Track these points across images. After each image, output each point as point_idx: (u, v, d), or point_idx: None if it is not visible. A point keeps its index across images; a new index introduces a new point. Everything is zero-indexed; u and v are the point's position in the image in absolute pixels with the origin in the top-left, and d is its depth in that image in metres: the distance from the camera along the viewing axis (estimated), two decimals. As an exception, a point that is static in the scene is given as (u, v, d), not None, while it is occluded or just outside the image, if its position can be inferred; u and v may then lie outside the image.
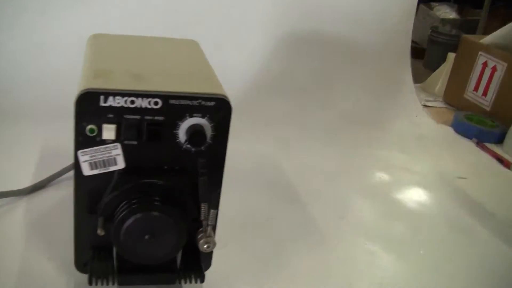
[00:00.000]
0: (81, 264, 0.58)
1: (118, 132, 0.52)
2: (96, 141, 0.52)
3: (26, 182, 0.80)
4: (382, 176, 1.01)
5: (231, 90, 1.14)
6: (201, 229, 0.56)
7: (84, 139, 0.52)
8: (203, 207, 0.55)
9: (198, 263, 0.59)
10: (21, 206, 0.75)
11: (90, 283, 0.54)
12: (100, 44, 0.66)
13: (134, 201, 0.53)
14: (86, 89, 0.50)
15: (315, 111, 1.24)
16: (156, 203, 0.53)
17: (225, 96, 0.53)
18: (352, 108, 1.29)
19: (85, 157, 0.53)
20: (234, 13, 1.27)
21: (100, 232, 0.53)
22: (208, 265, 0.62)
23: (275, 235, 0.77)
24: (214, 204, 0.55)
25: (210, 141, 0.54)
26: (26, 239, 0.68)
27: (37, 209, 0.75)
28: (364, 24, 1.37)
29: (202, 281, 0.58)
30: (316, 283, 0.68)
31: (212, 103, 0.53)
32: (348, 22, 1.35)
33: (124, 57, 0.63)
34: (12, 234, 0.69)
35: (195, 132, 0.52)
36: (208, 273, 0.60)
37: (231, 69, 1.20)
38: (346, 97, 1.32)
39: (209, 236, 0.55)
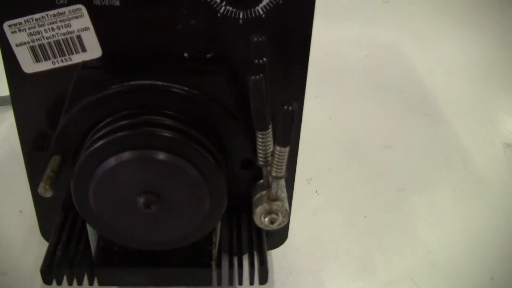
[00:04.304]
0: (49, 231, 0.32)
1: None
2: (37, 2, 0.25)
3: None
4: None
5: None
6: (260, 182, 0.29)
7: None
8: (260, 138, 0.26)
9: (260, 248, 0.30)
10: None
11: (46, 281, 0.28)
12: None
13: (118, 124, 0.26)
14: None
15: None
16: (163, 131, 0.25)
17: None
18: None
19: (19, 35, 0.26)
20: None
21: (44, 190, 0.26)
22: (277, 243, 0.34)
23: (397, 172, 0.47)
24: (283, 136, 0.25)
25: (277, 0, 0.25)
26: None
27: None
28: None
29: (263, 281, 0.30)
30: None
31: None
32: None
33: None
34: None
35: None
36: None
37: None
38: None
39: (275, 199, 0.27)
